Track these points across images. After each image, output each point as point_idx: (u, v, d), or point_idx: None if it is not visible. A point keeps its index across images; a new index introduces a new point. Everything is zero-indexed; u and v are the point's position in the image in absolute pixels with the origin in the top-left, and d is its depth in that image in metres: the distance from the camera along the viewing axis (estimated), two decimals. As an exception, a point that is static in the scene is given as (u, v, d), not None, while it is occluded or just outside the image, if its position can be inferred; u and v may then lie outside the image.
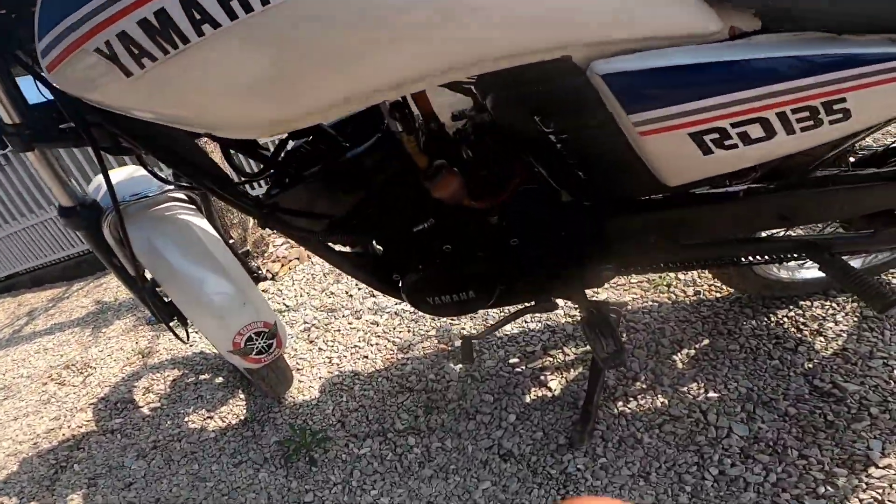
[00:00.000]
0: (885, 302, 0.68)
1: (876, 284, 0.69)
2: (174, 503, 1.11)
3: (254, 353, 1.00)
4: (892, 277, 1.04)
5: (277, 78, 0.49)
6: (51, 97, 0.77)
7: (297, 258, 2.33)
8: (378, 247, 0.84)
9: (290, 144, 0.78)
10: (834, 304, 1.01)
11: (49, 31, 0.51)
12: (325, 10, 0.45)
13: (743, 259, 0.81)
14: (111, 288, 3.09)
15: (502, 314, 1.31)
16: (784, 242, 0.80)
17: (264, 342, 1.00)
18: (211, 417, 1.34)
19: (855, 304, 0.99)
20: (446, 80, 0.53)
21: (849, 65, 0.50)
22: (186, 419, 1.37)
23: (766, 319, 1.03)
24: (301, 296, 1.90)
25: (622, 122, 0.53)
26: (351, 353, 1.41)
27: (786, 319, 1.02)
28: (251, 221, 2.29)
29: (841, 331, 0.95)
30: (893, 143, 0.84)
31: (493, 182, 0.70)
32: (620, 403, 0.93)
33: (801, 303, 1.04)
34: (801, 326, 0.99)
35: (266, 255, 2.34)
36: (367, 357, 1.37)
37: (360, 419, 1.16)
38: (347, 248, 0.86)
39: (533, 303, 0.85)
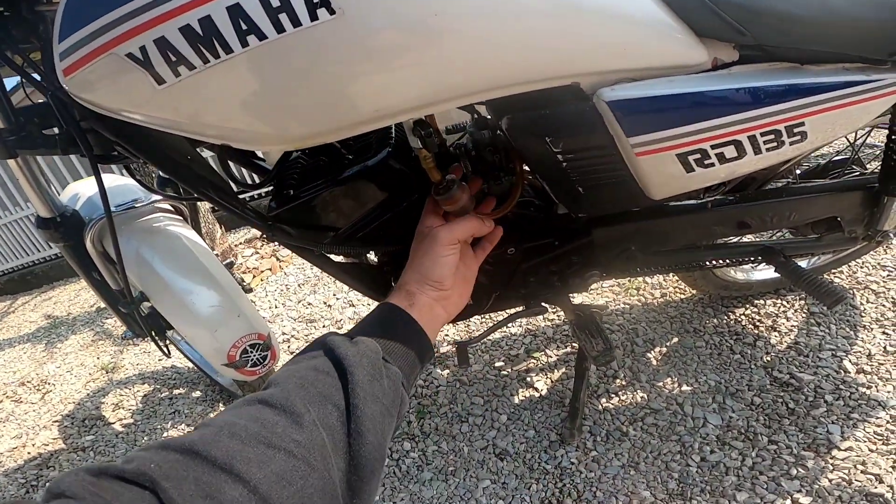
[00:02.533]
0: (834, 299, 0.79)
1: (826, 283, 0.80)
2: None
3: (248, 365, 1.00)
4: (835, 277, 1.18)
5: (315, 94, 0.51)
6: (35, 101, 0.74)
7: (269, 269, 2.30)
8: (374, 258, 0.87)
9: (292, 155, 0.79)
10: (784, 302, 1.14)
11: (75, 31, 0.49)
12: (365, 33, 0.47)
13: (708, 263, 0.91)
14: (61, 302, 2.92)
15: (486, 320, 1.36)
16: (744, 248, 0.91)
17: (259, 354, 1.00)
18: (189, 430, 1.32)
19: (803, 302, 1.12)
20: (466, 102, 0.57)
21: (807, 93, 0.59)
22: (165, 434, 1.34)
23: (726, 317, 1.15)
24: (276, 307, 1.88)
25: (621, 143, 0.61)
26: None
27: (743, 317, 1.14)
28: (218, 232, 2.24)
29: (792, 326, 1.07)
30: (835, 155, 0.97)
31: (492, 196, 0.75)
32: (604, 400, 1.01)
33: (756, 301, 1.16)
34: (758, 323, 1.11)
35: (235, 266, 2.29)
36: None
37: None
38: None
39: (523, 308, 0.90)
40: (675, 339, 1.12)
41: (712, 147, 0.61)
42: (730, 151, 0.62)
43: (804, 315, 1.09)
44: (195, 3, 0.45)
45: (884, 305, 1.07)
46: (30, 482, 1.31)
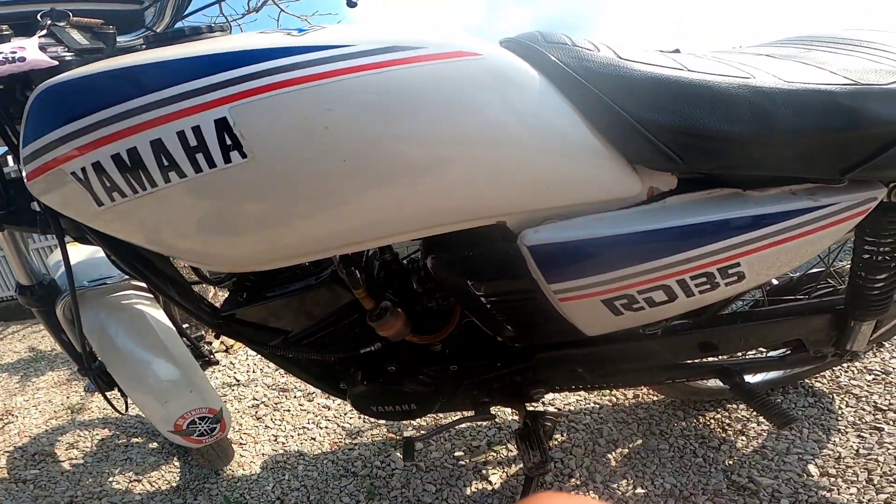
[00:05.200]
0: (784, 420, 0.78)
1: (776, 405, 0.80)
2: (78, 568, 1.02)
3: (195, 434, 1.03)
4: (816, 380, 1.20)
5: (238, 229, 0.54)
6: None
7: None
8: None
9: None
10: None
11: (32, 141, 0.51)
12: (276, 179, 0.49)
13: (661, 383, 0.92)
14: (48, 336, 2.92)
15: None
16: (697, 368, 0.88)
17: (207, 426, 1.03)
18: (139, 481, 1.28)
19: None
20: (383, 244, 0.60)
21: (744, 229, 0.53)
22: (111, 479, 1.29)
23: (695, 421, 1.15)
24: (253, 371, 1.89)
25: (544, 287, 0.60)
26: (298, 434, 1.41)
27: (713, 420, 1.14)
28: (209, 294, 2.31)
29: (762, 430, 1.08)
30: (811, 269, 0.92)
31: (436, 317, 0.75)
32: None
33: (729, 405, 1.17)
34: (727, 426, 1.11)
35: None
36: (314, 439, 1.38)
37: (300, 499, 1.15)
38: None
39: (473, 412, 0.89)
40: (639, 441, 1.12)
41: (639, 293, 0.58)
42: (659, 296, 0.58)
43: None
44: (124, 132, 0.48)
45: (863, 409, 1.09)
46: None
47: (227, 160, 0.47)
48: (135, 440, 1.48)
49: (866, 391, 1.15)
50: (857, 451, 0.99)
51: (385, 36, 0.50)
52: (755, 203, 0.54)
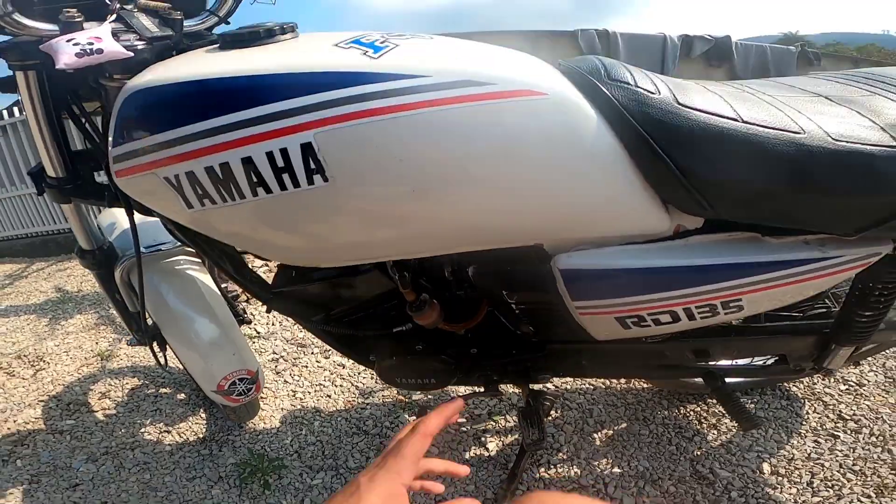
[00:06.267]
0: (749, 424, 0.88)
1: (746, 410, 0.87)
2: (122, 509, 1.16)
3: (234, 394, 1.11)
4: (793, 384, 1.28)
5: (311, 239, 0.62)
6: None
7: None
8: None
9: None
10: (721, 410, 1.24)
11: (123, 143, 0.57)
12: (353, 200, 0.55)
13: (653, 378, 0.99)
14: (75, 276, 3.04)
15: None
16: (687, 369, 0.95)
17: (245, 386, 1.12)
18: (168, 431, 1.41)
19: (753, 405, 1.23)
20: (437, 254, 0.67)
21: (755, 272, 0.58)
22: (143, 430, 1.42)
23: (676, 411, 1.24)
24: (273, 324, 1.99)
25: (567, 302, 0.66)
26: (315, 391, 1.52)
27: (692, 412, 1.23)
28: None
29: (733, 426, 1.17)
30: None
31: (465, 309, 0.81)
32: (543, 469, 1.09)
33: (709, 401, 1.26)
34: (703, 420, 1.21)
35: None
36: (329, 396, 1.49)
37: (315, 453, 1.27)
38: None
39: (483, 389, 0.98)
40: (624, 425, 1.22)
41: (649, 314, 0.64)
42: (665, 318, 0.64)
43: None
44: (217, 147, 0.53)
45: (827, 417, 1.18)
46: (1, 456, 1.38)
47: (311, 182, 0.53)
48: (162, 390, 1.60)
49: (836, 400, 1.23)
50: (809, 455, 1.09)
51: (459, 67, 0.54)
52: (770, 250, 0.58)
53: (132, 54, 0.65)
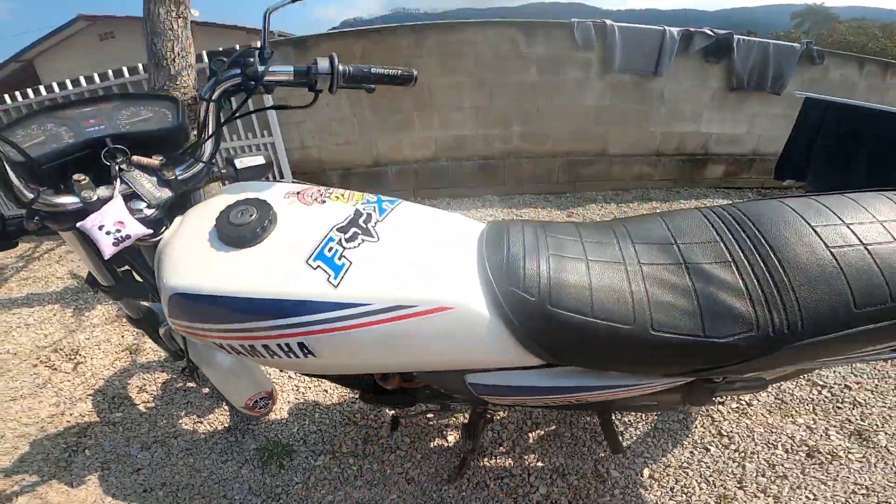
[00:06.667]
0: (616, 450, 1.23)
1: (617, 439, 1.23)
2: (177, 487, 1.56)
3: (256, 409, 1.49)
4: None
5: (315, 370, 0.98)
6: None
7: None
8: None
9: None
10: (643, 417, 1.63)
11: (174, 319, 0.86)
12: (338, 364, 0.87)
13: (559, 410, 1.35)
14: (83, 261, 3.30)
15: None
16: (582, 406, 1.14)
17: (264, 402, 1.48)
18: (201, 422, 1.79)
19: (655, 418, 1.62)
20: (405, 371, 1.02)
21: (592, 390, 0.88)
22: (180, 421, 1.81)
23: (595, 419, 1.59)
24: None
25: (473, 395, 0.96)
26: (315, 386, 1.90)
27: (616, 421, 1.60)
28: None
29: (636, 436, 1.56)
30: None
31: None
32: (486, 459, 1.50)
33: (622, 413, 1.64)
34: (620, 429, 1.59)
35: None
36: (326, 391, 1.87)
37: (317, 440, 1.67)
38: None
39: (439, 407, 1.35)
40: (553, 427, 1.61)
41: (532, 404, 1.05)
42: (538, 404, 1.07)
43: (649, 429, 1.59)
44: (244, 338, 0.82)
45: (709, 432, 1.55)
46: (70, 447, 1.72)
47: (306, 356, 0.84)
48: (190, 385, 1.97)
49: (722, 417, 1.59)
50: (682, 464, 1.46)
51: (393, 295, 0.80)
52: (605, 378, 0.87)
53: (152, 231, 0.88)
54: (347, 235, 0.87)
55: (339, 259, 0.83)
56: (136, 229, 0.86)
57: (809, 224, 0.79)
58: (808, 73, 3.93)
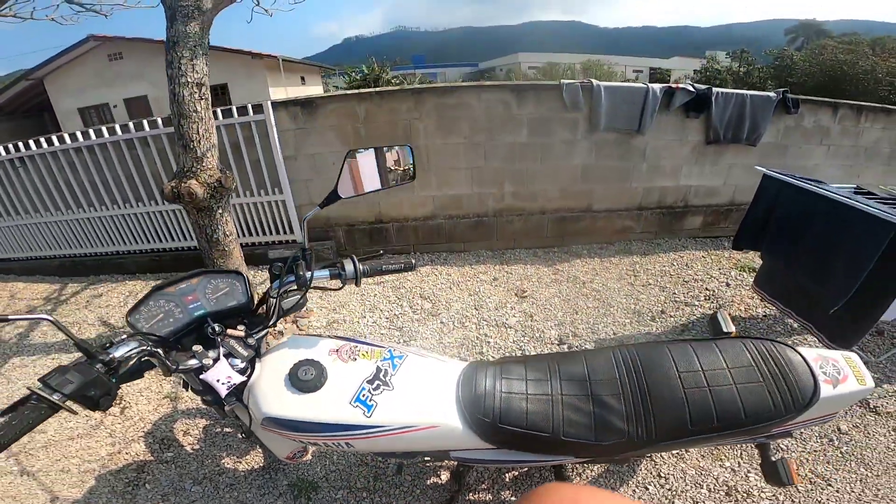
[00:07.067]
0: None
1: (563, 476, 1.75)
2: (227, 517, 1.97)
3: (294, 458, 1.91)
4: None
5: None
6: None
7: (294, 321, 3.17)
8: None
9: None
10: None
11: (267, 427, 1.22)
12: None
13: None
14: (112, 305, 3.65)
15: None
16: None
17: (300, 453, 1.91)
18: (240, 461, 2.20)
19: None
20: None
21: (531, 462, 1.38)
22: (222, 461, 2.22)
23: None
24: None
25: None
26: (331, 431, 2.34)
27: (570, 465, 2.10)
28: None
29: (591, 476, 2.04)
30: None
31: None
32: (471, 494, 1.96)
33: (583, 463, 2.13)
34: (575, 469, 2.07)
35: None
36: (341, 436, 2.31)
37: (336, 477, 2.10)
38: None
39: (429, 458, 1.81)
40: (525, 469, 2.08)
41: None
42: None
43: (605, 471, 2.07)
44: (311, 440, 1.28)
45: (651, 473, 2.05)
46: (132, 482, 2.10)
47: (348, 447, 1.29)
48: (227, 430, 2.38)
49: (663, 461, 2.06)
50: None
51: (404, 420, 1.26)
52: (536, 456, 1.28)
53: (247, 378, 1.31)
54: (374, 386, 1.33)
55: (370, 401, 1.30)
56: (238, 379, 1.32)
57: (677, 370, 1.25)
58: (783, 122, 4.13)
